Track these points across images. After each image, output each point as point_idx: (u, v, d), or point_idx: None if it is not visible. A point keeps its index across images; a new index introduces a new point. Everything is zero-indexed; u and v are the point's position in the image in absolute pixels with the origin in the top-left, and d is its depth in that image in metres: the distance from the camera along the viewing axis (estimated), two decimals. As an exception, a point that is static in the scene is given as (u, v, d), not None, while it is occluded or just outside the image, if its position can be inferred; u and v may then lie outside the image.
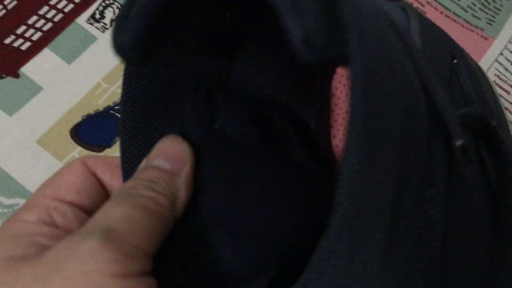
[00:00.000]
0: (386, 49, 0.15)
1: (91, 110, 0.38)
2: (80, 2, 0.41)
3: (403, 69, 0.16)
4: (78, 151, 0.36)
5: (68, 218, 0.21)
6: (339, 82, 0.25)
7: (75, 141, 0.37)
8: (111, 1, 0.41)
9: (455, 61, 0.23)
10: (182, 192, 0.20)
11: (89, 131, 0.37)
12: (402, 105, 0.16)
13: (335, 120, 0.26)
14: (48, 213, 0.21)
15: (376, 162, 0.14)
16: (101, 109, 0.38)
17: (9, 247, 0.19)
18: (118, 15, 0.17)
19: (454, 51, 0.24)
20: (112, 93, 0.38)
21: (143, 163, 0.21)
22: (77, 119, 0.37)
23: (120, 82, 0.38)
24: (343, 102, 0.25)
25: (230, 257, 0.20)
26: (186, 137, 0.21)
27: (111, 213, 0.18)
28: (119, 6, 0.41)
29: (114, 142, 0.37)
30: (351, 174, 0.14)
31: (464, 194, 0.19)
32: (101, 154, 0.36)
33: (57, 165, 0.36)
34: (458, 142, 0.17)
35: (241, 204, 0.21)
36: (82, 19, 0.40)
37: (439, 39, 0.24)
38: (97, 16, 0.41)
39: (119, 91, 0.38)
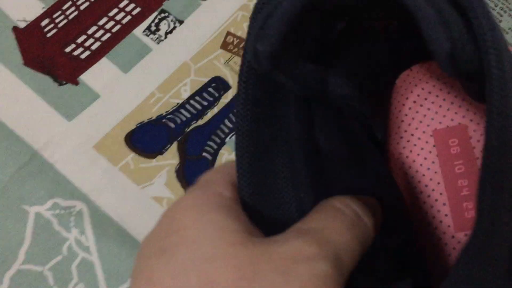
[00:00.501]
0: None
1: (144, 118, 0.40)
2: (137, 14, 0.44)
3: None
4: (132, 157, 0.39)
5: None
6: (395, 97, 0.27)
7: (129, 147, 0.39)
8: (166, 14, 0.44)
9: None
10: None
11: (142, 138, 0.39)
12: None
13: (389, 134, 0.27)
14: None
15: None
16: (154, 117, 0.40)
17: (224, 219, 0.18)
18: (253, 25, 0.18)
19: None
20: (165, 102, 0.41)
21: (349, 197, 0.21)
22: (132, 126, 0.40)
23: (172, 91, 0.40)
24: (396, 117, 0.27)
25: None
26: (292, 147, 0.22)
27: (339, 238, 0.18)
28: (173, 19, 0.44)
29: (166, 150, 0.39)
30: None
31: None
32: (153, 160, 0.39)
33: (112, 169, 0.38)
34: None
35: None
36: (138, 31, 0.43)
37: None
38: (153, 28, 0.43)
39: (172, 100, 0.41)
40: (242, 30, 0.42)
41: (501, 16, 0.46)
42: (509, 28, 0.45)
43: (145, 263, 0.18)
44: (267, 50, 0.18)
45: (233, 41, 0.42)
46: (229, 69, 0.42)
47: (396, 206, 0.24)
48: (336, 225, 0.19)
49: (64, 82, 0.41)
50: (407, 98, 0.26)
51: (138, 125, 0.40)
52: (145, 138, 0.39)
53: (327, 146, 0.23)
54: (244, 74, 0.20)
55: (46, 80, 0.41)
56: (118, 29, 0.43)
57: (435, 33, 0.15)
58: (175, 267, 0.17)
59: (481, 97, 0.22)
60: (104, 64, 0.42)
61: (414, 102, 0.26)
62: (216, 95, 0.41)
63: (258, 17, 0.18)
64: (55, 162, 0.39)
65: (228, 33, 0.43)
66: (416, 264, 0.24)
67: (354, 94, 0.23)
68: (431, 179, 0.26)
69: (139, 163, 0.39)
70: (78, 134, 0.40)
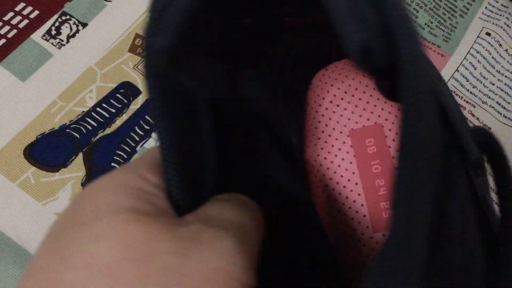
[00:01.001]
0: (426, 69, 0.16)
1: (46, 129, 0.38)
2: (35, 17, 0.41)
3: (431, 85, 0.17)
4: (32, 172, 0.36)
5: None
6: (311, 98, 0.27)
7: (29, 161, 0.36)
8: (68, 17, 0.42)
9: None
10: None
11: (44, 150, 0.37)
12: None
13: (305, 136, 0.27)
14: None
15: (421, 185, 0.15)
16: (56, 127, 0.38)
17: (132, 199, 0.18)
18: (150, 19, 0.17)
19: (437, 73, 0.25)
20: (68, 111, 0.38)
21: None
22: (31, 138, 0.37)
23: (77, 99, 0.38)
24: (313, 117, 0.27)
25: None
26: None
27: (239, 218, 0.19)
28: (76, 22, 0.41)
29: (71, 162, 0.37)
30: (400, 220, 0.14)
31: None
32: (56, 174, 0.36)
33: (9, 186, 0.36)
34: (474, 157, 0.18)
35: None
36: (37, 35, 0.40)
37: (429, 61, 0.25)
38: (53, 32, 0.41)
39: (76, 108, 0.38)
40: (150, 33, 0.41)
41: (417, 12, 0.48)
42: (425, 24, 0.47)
43: (36, 251, 0.17)
44: (162, 45, 0.17)
45: (142, 44, 0.41)
46: (139, 74, 0.40)
47: (304, 211, 0.24)
48: (233, 208, 0.19)
49: (-48, 92, 0.38)
50: (323, 99, 0.26)
51: (39, 136, 0.37)
52: (47, 150, 0.37)
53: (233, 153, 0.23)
54: (147, 75, 0.19)
55: None
56: (14, 34, 0.40)
57: (346, 25, 0.14)
58: (58, 249, 0.16)
59: (394, 95, 0.23)
60: (-2, 72, 0.39)
61: (331, 102, 0.26)
62: (125, 101, 0.39)
63: (155, 7, 0.17)
64: None
65: (137, 35, 0.41)
66: (328, 265, 0.24)
67: (267, 97, 0.23)
68: (349, 180, 0.26)
69: (40, 178, 0.36)
70: (-31, 149, 0.36)
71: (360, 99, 0.26)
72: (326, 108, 0.26)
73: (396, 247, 0.15)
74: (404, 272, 0.15)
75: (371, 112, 0.26)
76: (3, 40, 0.40)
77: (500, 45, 0.46)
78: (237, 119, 0.23)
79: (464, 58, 0.46)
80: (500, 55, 0.46)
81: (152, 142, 0.38)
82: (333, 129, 0.26)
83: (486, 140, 0.19)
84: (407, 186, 0.15)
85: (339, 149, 0.26)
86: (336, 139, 0.26)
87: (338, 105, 0.26)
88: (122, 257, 0.15)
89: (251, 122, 0.23)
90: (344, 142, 0.26)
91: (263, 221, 0.21)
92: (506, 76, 0.45)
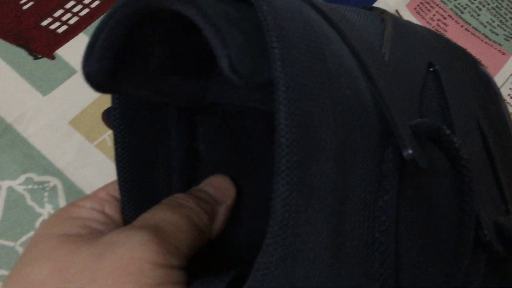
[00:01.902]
0: (320, 66, 0.17)
1: (122, 96, 0.43)
2: None
3: (348, 80, 0.18)
4: (109, 134, 0.41)
5: (117, 212, 0.26)
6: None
7: (106, 124, 0.42)
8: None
9: (431, 68, 0.24)
10: (220, 219, 0.26)
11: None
12: (339, 117, 0.17)
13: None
14: (102, 204, 0.25)
15: (309, 174, 0.16)
16: (132, 96, 0.43)
17: (65, 227, 0.23)
18: (87, 46, 0.20)
19: (433, 58, 0.25)
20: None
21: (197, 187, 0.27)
22: (109, 103, 0.42)
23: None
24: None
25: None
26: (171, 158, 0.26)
27: (161, 215, 0.23)
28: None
29: (144, 128, 0.42)
30: (285, 185, 0.16)
31: (424, 200, 0.21)
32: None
33: (87, 146, 0.41)
34: (407, 152, 0.19)
35: None
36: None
37: (416, 46, 0.25)
38: (132, 6, 0.46)
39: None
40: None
41: (480, 10, 0.51)
42: (487, 22, 0.50)
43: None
44: (94, 70, 0.19)
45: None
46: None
47: None
48: (157, 209, 0.24)
49: (40, 56, 0.43)
50: None
51: (116, 103, 0.42)
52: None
53: (207, 152, 0.26)
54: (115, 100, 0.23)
55: (21, 53, 0.43)
56: (97, 5, 0.45)
57: (216, 51, 0.16)
58: (6, 280, 0.22)
59: None
60: (81, 40, 0.44)
61: None
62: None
63: (93, 34, 0.20)
64: (29, 136, 0.41)
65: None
66: None
67: (243, 97, 0.25)
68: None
69: (116, 141, 0.41)
70: (53, 109, 0.42)
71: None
72: None
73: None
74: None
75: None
76: (87, 10, 0.45)
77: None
78: (216, 119, 0.26)
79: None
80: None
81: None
82: None
83: (434, 134, 0.20)
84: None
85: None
86: None
87: None
88: (49, 272, 0.21)
89: (232, 120, 0.27)
90: None
91: (201, 210, 0.25)
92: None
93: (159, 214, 0.23)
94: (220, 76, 0.24)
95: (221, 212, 0.26)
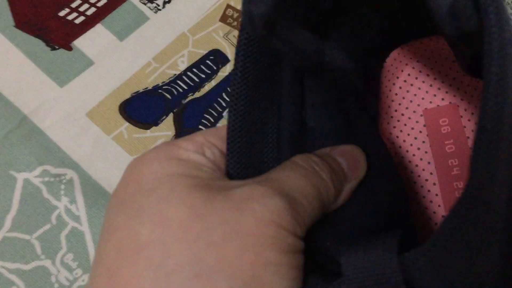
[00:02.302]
0: None
1: (140, 88, 0.43)
2: (135, -19, 0.46)
3: None
4: (126, 127, 0.42)
5: (216, 157, 0.24)
6: (385, 76, 0.30)
7: (123, 116, 0.42)
8: (165, -18, 0.46)
9: None
10: (343, 197, 0.25)
11: (138, 108, 0.42)
12: None
13: (379, 113, 0.30)
14: (201, 147, 0.24)
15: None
16: (150, 87, 0.43)
17: (182, 168, 0.22)
18: None
19: None
20: (161, 72, 0.44)
21: (327, 150, 0.26)
22: (126, 95, 0.43)
23: (169, 62, 0.43)
24: (387, 96, 0.29)
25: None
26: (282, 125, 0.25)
27: (296, 183, 0.22)
28: (172, -13, 0.46)
29: (162, 121, 0.42)
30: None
31: None
32: (148, 131, 0.42)
33: (104, 138, 0.41)
34: None
35: None
36: (136, -1, 0.46)
37: None
38: (151, -4, 0.46)
39: (168, 71, 0.43)
40: (242, 3, 0.45)
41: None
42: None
43: (108, 216, 0.22)
44: (261, 12, 0.20)
45: (232, 15, 0.45)
46: (228, 43, 0.45)
47: (393, 178, 0.27)
48: (291, 173, 0.23)
49: (57, 47, 0.44)
50: (397, 77, 0.29)
51: (133, 94, 0.43)
52: (140, 108, 0.42)
53: (316, 122, 0.26)
54: (242, 47, 0.22)
55: (38, 44, 0.44)
56: (115, -5, 0.46)
57: None
58: (130, 212, 0.21)
59: (473, 68, 0.25)
60: (99, 31, 0.44)
61: (405, 81, 0.29)
62: (214, 68, 0.44)
63: None
64: (46, 128, 0.41)
65: (228, 6, 0.46)
66: (404, 219, 0.27)
67: (350, 68, 0.25)
68: (421, 159, 0.29)
69: (133, 134, 0.41)
70: (70, 101, 0.42)
71: (435, 78, 0.29)
72: (400, 87, 0.29)
73: (471, 198, 0.17)
74: (479, 220, 0.18)
75: (446, 92, 0.29)
76: (104, 1, 0.45)
77: None
78: (326, 86, 0.26)
79: None
80: None
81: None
82: (406, 108, 0.29)
83: None
84: (487, 148, 0.17)
85: (412, 128, 0.29)
86: (409, 118, 0.29)
87: (412, 85, 0.29)
88: (188, 214, 0.20)
89: (340, 89, 0.26)
90: (417, 122, 0.29)
91: (332, 185, 0.24)
92: None
93: (294, 182, 0.23)
94: (337, 41, 0.24)
95: (347, 190, 0.25)
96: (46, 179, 0.40)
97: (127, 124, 0.42)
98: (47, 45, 0.44)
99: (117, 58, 0.44)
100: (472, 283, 0.19)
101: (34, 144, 0.41)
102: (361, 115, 0.27)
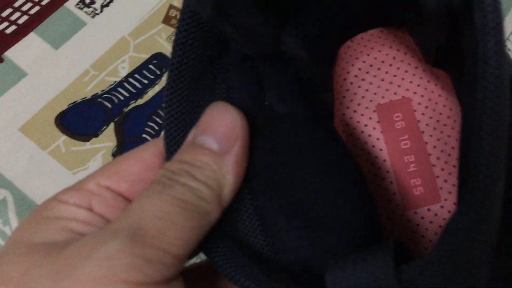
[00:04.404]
0: None
1: (78, 98, 0.41)
2: (70, -15, 0.44)
3: None
4: (63, 140, 0.40)
5: (108, 207, 0.21)
6: (338, 65, 0.29)
7: (60, 129, 0.40)
8: (102, -14, 0.45)
9: None
10: (230, 177, 0.20)
11: (75, 119, 0.40)
12: None
13: (335, 105, 0.29)
14: (89, 198, 0.20)
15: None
16: (88, 97, 0.41)
17: (38, 232, 0.19)
18: None
19: None
20: (100, 80, 0.42)
21: (191, 136, 0.20)
22: (63, 106, 0.40)
23: (109, 69, 0.41)
24: (340, 86, 0.28)
25: (297, 244, 0.21)
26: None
27: (144, 208, 0.18)
28: (110, -9, 0.44)
29: (102, 132, 0.40)
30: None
31: None
32: (87, 143, 0.40)
33: (40, 154, 0.39)
34: None
35: (299, 185, 0.22)
36: (71, 3, 0.44)
37: None
38: (87, 0, 0.44)
39: (108, 78, 0.41)
40: (184, 3, 0.43)
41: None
42: None
43: None
44: None
45: (176, 15, 0.44)
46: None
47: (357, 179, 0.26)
48: (145, 199, 0.19)
49: (-13, 59, 0.42)
50: (348, 72, 0.28)
51: (71, 105, 0.41)
52: (78, 119, 0.40)
53: (286, 110, 0.23)
54: (184, 27, 0.20)
55: (-34, 56, 0.41)
56: (48, 2, 0.44)
57: None
58: None
59: (439, 59, 0.24)
60: (32, 40, 0.42)
61: (356, 76, 0.28)
62: (158, 72, 0.42)
63: None
64: (-24, 147, 0.39)
65: (171, 7, 0.44)
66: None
67: (309, 58, 0.24)
68: (376, 157, 0.27)
69: (71, 147, 0.39)
70: (2, 116, 0.40)
71: (386, 72, 0.28)
72: (351, 83, 0.28)
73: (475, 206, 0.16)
74: (480, 230, 0.16)
75: (399, 86, 0.28)
76: (37, 7, 0.43)
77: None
78: (285, 76, 0.24)
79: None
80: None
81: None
82: (359, 104, 0.28)
83: None
84: (489, 148, 0.16)
85: (365, 125, 0.28)
86: (362, 114, 0.28)
87: (363, 79, 0.28)
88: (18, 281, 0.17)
89: (299, 82, 0.24)
90: (370, 118, 0.28)
91: (203, 183, 0.19)
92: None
93: (142, 206, 0.18)
94: (297, 28, 0.22)
95: (230, 168, 0.20)
96: (-22, 200, 0.38)
97: (64, 137, 0.40)
98: (-24, 57, 0.41)
99: (52, 68, 0.42)
100: None
101: (-36, 163, 0.38)
102: (321, 106, 0.26)
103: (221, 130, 0.20)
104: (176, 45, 0.20)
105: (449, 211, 0.26)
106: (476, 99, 0.16)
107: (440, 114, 0.27)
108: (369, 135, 0.28)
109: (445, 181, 0.26)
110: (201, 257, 0.25)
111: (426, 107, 0.27)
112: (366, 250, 0.19)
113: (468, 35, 0.17)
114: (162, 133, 0.38)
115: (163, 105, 0.21)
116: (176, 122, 0.21)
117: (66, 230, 0.19)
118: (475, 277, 0.18)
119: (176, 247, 0.18)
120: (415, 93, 0.27)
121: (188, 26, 0.20)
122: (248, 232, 0.21)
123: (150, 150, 0.22)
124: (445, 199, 0.26)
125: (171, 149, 0.21)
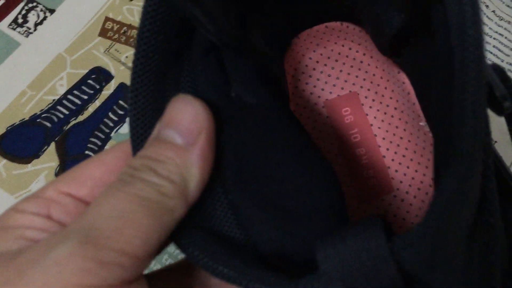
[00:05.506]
0: None
1: (16, 120, 0.39)
2: (1, 6, 0.43)
3: None
4: (3, 164, 0.38)
5: (68, 215, 0.20)
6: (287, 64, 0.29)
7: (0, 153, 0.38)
8: (34, 4, 0.43)
9: None
10: (196, 171, 0.19)
11: (15, 142, 0.39)
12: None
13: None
14: (48, 206, 0.20)
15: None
16: (27, 118, 0.40)
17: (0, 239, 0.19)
18: None
19: None
20: (38, 100, 0.40)
21: (156, 130, 0.20)
22: (1, 130, 0.39)
23: (47, 88, 0.40)
24: (289, 83, 0.28)
25: (274, 235, 0.21)
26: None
27: (99, 208, 0.17)
28: (43, 8, 0.43)
29: (43, 152, 0.39)
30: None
31: None
32: (28, 165, 0.38)
33: (-21, 181, 0.37)
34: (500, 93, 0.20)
35: (270, 176, 0.21)
36: (3, 25, 0.42)
37: None
38: (20, 20, 0.43)
39: (46, 97, 0.40)
40: (122, 15, 0.43)
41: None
42: None
43: None
44: None
45: (112, 27, 0.43)
46: (110, 58, 0.42)
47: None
48: (103, 200, 0.18)
49: None
50: (295, 69, 0.28)
51: (9, 128, 0.39)
52: (18, 142, 0.39)
53: (252, 100, 0.22)
54: (148, 21, 0.19)
55: None
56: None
57: None
58: None
59: (393, 47, 0.25)
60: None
61: (303, 73, 0.28)
62: (97, 87, 0.41)
63: None
64: None
65: (107, 19, 0.43)
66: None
67: (268, 51, 0.24)
68: (329, 152, 0.28)
69: (12, 170, 0.38)
70: None
71: (332, 68, 0.28)
72: (299, 80, 0.28)
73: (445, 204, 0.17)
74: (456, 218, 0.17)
75: (345, 81, 0.28)
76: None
77: (487, 6, 0.48)
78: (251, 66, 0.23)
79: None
80: (487, 16, 0.48)
81: (126, 127, 0.40)
82: (308, 101, 0.28)
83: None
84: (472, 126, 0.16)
85: (315, 121, 0.28)
86: (312, 110, 0.28)
87: (310, 76, 0.28)
88: None
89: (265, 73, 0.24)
90: (319, 114, 0.28)
91: (166, 179, 0.19)
92: (494, 38, 0.47)
93: (98, 206, 0.17)
94: (263, 19, 0.22)
95: (194, 162, 0.19)
96: None
97: (4, 161, 0.38)
98: None
99: (-14, 91, 0.40)
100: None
101: None
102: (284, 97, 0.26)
103: (184, 123, 0.19)
104: (141, 39, 0.19)
105: (402, 200, 0.27)
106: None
107: (387, 106, 0.27)
108: (320, 131, 0.28)
109: (396, 171, 0.27)
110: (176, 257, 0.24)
111: (373, 100, 0.28)
112: (351, 227, 0.19)
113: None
114: (106, 147, 0.37)
115: (128, 101, 0.20)
116: (142, 118, 0.20)
117: (22, 238, 0.19)
118: (455, 249, 0.18)
119: (134, 246, 0.17)
120: (361, 86, 0.28)
121: (153, 19, 0.19)
122: (223, 226, 0.21)
123: (114, 153, 0.21)
124: (397, 189, 0.27)
125: (137, 146, 0.20)
